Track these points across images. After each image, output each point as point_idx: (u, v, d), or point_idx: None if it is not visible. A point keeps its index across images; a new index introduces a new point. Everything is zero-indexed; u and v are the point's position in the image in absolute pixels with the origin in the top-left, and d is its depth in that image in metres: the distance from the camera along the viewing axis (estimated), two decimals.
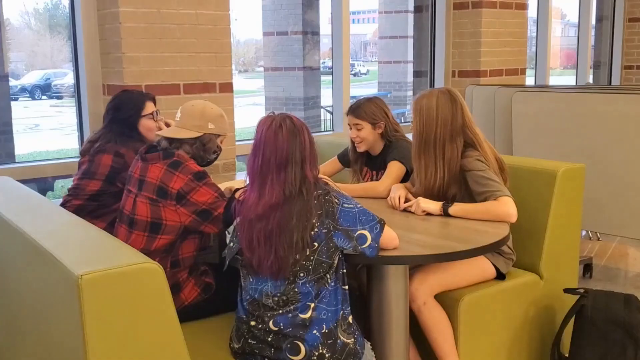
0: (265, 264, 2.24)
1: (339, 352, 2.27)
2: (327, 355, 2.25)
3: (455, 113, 2.92)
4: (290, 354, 2.26)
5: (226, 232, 2.50)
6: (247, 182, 2.36)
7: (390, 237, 2.38)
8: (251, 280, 2.33)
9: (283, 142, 2.26)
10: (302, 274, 2.24)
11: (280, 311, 2.28)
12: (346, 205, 2.29)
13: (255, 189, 2.29)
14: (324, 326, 2.27)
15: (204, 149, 2.77)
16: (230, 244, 2.38)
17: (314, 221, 2.23)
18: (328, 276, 2.28)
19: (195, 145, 2.74)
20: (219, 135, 2.83)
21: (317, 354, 2.25)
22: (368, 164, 3.51)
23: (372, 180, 3.45)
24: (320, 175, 2.38)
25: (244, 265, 2.35)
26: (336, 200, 2.28)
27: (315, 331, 2.26)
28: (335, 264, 2.30)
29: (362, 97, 3.48)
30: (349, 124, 3.44)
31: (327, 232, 2.24)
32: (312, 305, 2.26)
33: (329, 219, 2.25)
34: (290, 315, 2.27)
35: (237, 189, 2.49)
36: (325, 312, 2.27)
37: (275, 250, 2.22)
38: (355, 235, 2.27)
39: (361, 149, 3.41)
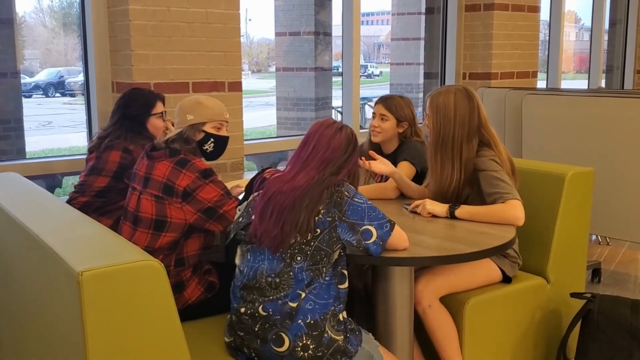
0: (269, 235, 2.28)
1: (325, 346, 2.26)
2: (311, 347, 2.25)
3: (472, 112, 2.90)
4: (275, 345, 2.26)
5: (237, 208, 2.51)
6: (287, 164, 2.45)
7: (401, 237, 2.40)
8: (249, 257, 2.35)
9: (337, 143, 2.40)
10: (299, 258, 2.27)
11: (271, 297, 2.28)
12: (356, 199, 2.33)
13: (293, 173, 2.38)
14: (309, 316, 2.26)
15: (186, 140, 2.74)
16: (240, 219, 2.41)
17: (320, 208, 2.27)
18: (324, 269, 2.29)
19: (179, 141, 2.73)
20: (204, 123, 2.79)
21: (300, 344, 2.24)
22: None
23: (382, 179, 3.43)
24: None
25: (245, 241, 2.38)
26: (346, 192, 2.33)
27: (300, 321, 2.26)
28: (335, 257, 2.31)
29: (394, 94, 3.50)
30: (374, 113, 3.44)
31: (332, 220, 2.28)
32: (303, 294, 2.27)
33: (335, 208, 2.29)
34: (280, 302, 2.27)
35: (265, 168, 2.60)
36: (311, 303, 2.28)
37: (282, 224, 2.27)
38: (361, 229, 2.30)
39: (376, 138, 3.41)
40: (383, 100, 3.42)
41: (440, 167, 2.92)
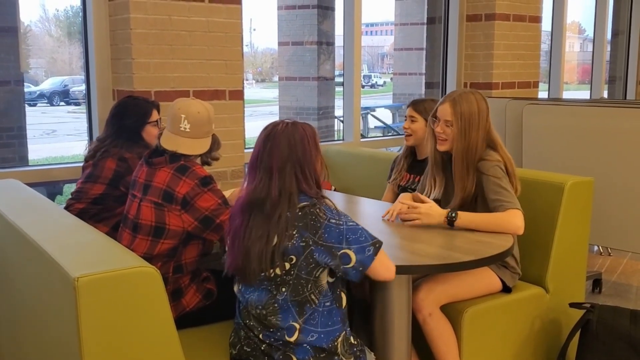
0: (237, 265, 2.22)
1: None
2: None
3: (488, 115, 2.90)
4: None
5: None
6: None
7: (383, 264, 2.23)
8: (241, 288, 2.32)
9: (272, 147, 2.23)
10: (284, 289, 2.19)
11: (270, 329, 2.23)
12: (333, 220, 2.17)
13: (244, 186, 2.30)
14: (316, 345, 2.21)
15: (216, 148, 2.81)
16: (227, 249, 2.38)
17: (293, 232, 2.14)
18: (313, 296, 2.20)
19: (214, 151, 2.80)
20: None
21: None
22: (410, 168, 3.51)
23: (407, 182, 3.44)
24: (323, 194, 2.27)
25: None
26: (322, 214, 2.17)
27: (306, 345, 2.22)
28: (323, 282, 2.21)
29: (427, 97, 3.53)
30: (405, 116, 3.48)
31: (305, 245, 2.14)
32: (297, 326, 2.21)
33: (309, 232, 2.15)
34: (278, 334, 2.22)
35: None
36: (314, 334, 2.21)
37: (244, 252, 2.19)
38: (339, 253, 2.15)
39: (408, 142, 3.45)
40: (413, 103, 3.47)
41: (465, 175, 2.88)
